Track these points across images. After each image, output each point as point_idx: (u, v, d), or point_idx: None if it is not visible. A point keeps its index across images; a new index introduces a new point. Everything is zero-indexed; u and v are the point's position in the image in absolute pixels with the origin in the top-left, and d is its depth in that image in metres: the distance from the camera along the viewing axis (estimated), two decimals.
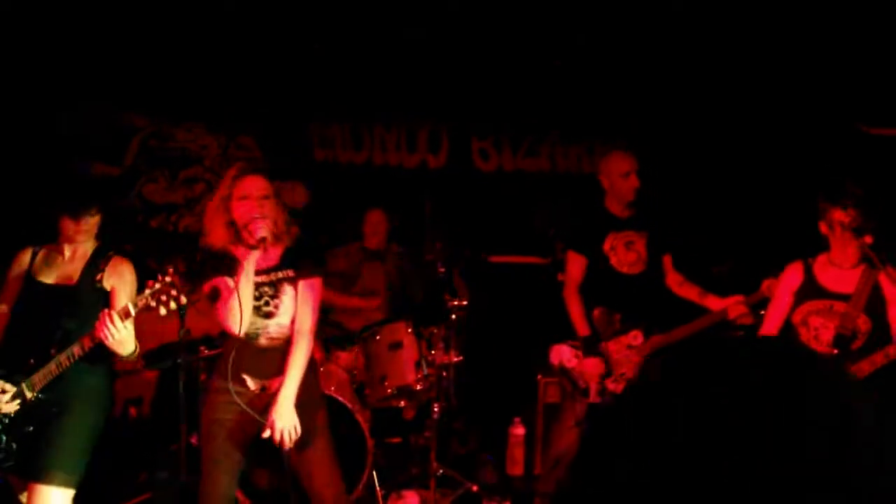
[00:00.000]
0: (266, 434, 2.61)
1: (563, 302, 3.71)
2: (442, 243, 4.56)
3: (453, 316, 4.28)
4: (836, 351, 2.62)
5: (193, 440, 4.06)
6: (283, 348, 2.71)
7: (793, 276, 2.85)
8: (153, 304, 2.50)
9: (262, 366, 2.71)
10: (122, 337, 2.56)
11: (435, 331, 4.30)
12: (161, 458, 4.06)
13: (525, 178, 5.75)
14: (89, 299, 2.75)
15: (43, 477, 2.55)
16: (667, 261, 3.79)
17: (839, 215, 2.63)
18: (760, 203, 4.30)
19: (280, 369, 2.69)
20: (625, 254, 3.67)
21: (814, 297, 2.75)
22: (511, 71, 4.86)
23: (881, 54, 3.65)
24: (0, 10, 4.05)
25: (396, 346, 4.17)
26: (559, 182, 5.71)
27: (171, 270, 2.50)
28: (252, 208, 2.60)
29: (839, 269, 2.74)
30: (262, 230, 2.58)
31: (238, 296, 2.54)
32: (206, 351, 4.26)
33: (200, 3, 4.41)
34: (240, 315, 2.56)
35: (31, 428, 2.61)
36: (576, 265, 3.71)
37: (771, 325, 2.92)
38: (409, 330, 4.20)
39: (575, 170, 5.75)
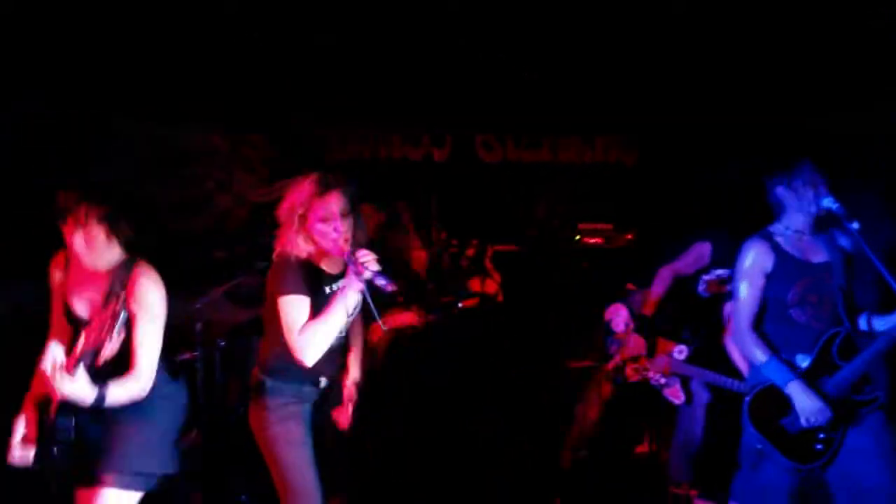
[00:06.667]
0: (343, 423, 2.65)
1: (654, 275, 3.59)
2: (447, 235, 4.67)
3: (460, 305, 4.40)
4: None
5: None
6: (345, 342, 2.67)
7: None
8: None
9: (333, 364, 2.61)
10: (75, 390, 2.22)
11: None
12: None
13: (526, 170, 5.86)
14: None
15: (106, 478, 2.38)
16: None
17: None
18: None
19: (338, 363, 2.66)
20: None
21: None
22: (511, 66, 4.96)
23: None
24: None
25: None
26: (560, 173, 5.82)
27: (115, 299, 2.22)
28: (342, 232, 2.38)
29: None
30: (373, 264, 2.31)
31: (327, 328, 2.35)
32: (221, 343, 4.40)
33: (204, 4, 4.48)
34: (320, 349, 2.37)
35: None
36: (693, 258, 3.54)
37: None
38: (421, 319, 4.33)
39: (577, 160, 5.86)
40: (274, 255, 2.44)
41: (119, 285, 2.31)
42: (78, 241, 2.32)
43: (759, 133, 4.23)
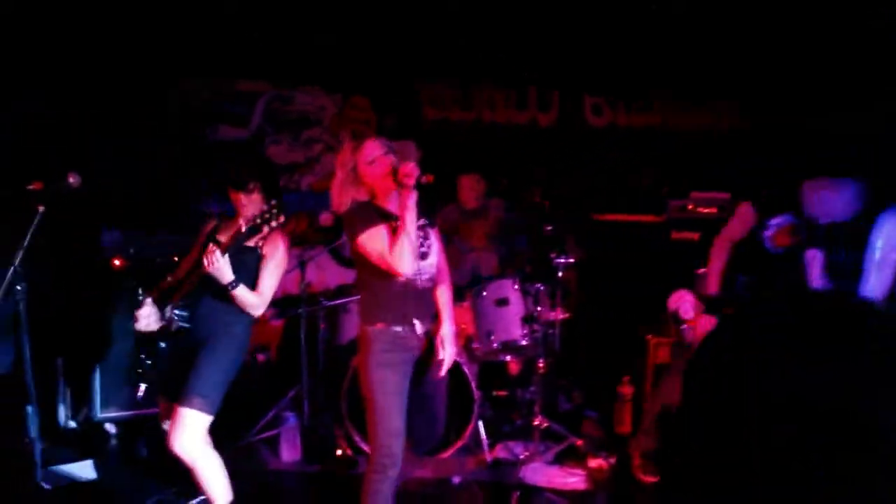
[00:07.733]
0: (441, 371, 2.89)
1: (709, 253, 3.36)
2: (546, 199, 4.58)
3: (560, 273, 4.31)
4: None
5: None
6: (432, 289, 2.90)
7: None
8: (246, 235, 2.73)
9: (424, 308, 2.84)
10: (219, 266, 2.78)
11: (541, 288, 4.36)
12: (286, 400, 4.43)
13: (636, 135, 5.61)
14: (241, 255, 2.91)
15: (185, 400, 2.81)
16: None
17: None
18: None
19: (434, 311, 2.90)
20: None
21: None
22: (623, 27, 4.73)
23: None
24: None
25: (503, 302, 4.26)
26: (670, 138, 5.54)
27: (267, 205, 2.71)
28: (387, 163, 2.72)
29: None
30: (416, 170, 2.61)
31: (409, 233, 2.62)
32: (324, 302, 4.57)
33: None
34: (410, 254, 2.64)
35: (180, 359, 2.91)
36: (738, 221, 3.34)
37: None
38: (516, 287, 4.28)
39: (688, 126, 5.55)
40: (342, 215, 2.79)
41: (259, 224, 2.82)
42: (244, 200, 3.01)
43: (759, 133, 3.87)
